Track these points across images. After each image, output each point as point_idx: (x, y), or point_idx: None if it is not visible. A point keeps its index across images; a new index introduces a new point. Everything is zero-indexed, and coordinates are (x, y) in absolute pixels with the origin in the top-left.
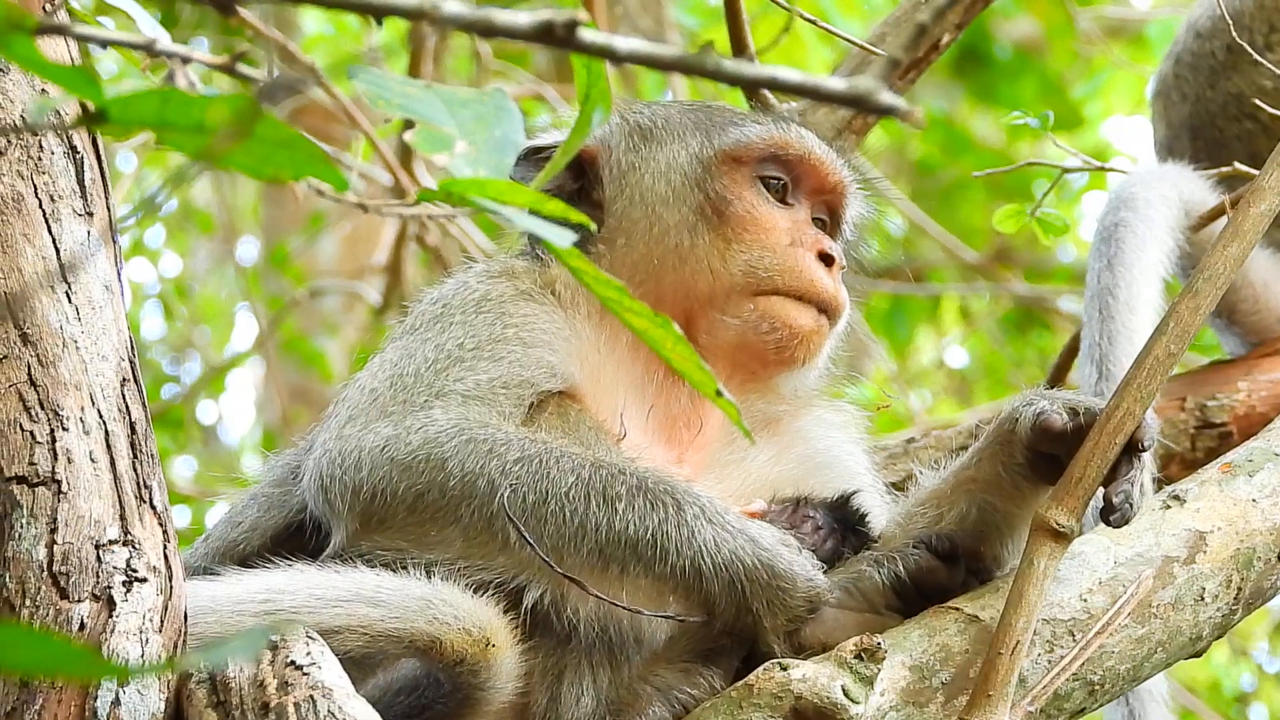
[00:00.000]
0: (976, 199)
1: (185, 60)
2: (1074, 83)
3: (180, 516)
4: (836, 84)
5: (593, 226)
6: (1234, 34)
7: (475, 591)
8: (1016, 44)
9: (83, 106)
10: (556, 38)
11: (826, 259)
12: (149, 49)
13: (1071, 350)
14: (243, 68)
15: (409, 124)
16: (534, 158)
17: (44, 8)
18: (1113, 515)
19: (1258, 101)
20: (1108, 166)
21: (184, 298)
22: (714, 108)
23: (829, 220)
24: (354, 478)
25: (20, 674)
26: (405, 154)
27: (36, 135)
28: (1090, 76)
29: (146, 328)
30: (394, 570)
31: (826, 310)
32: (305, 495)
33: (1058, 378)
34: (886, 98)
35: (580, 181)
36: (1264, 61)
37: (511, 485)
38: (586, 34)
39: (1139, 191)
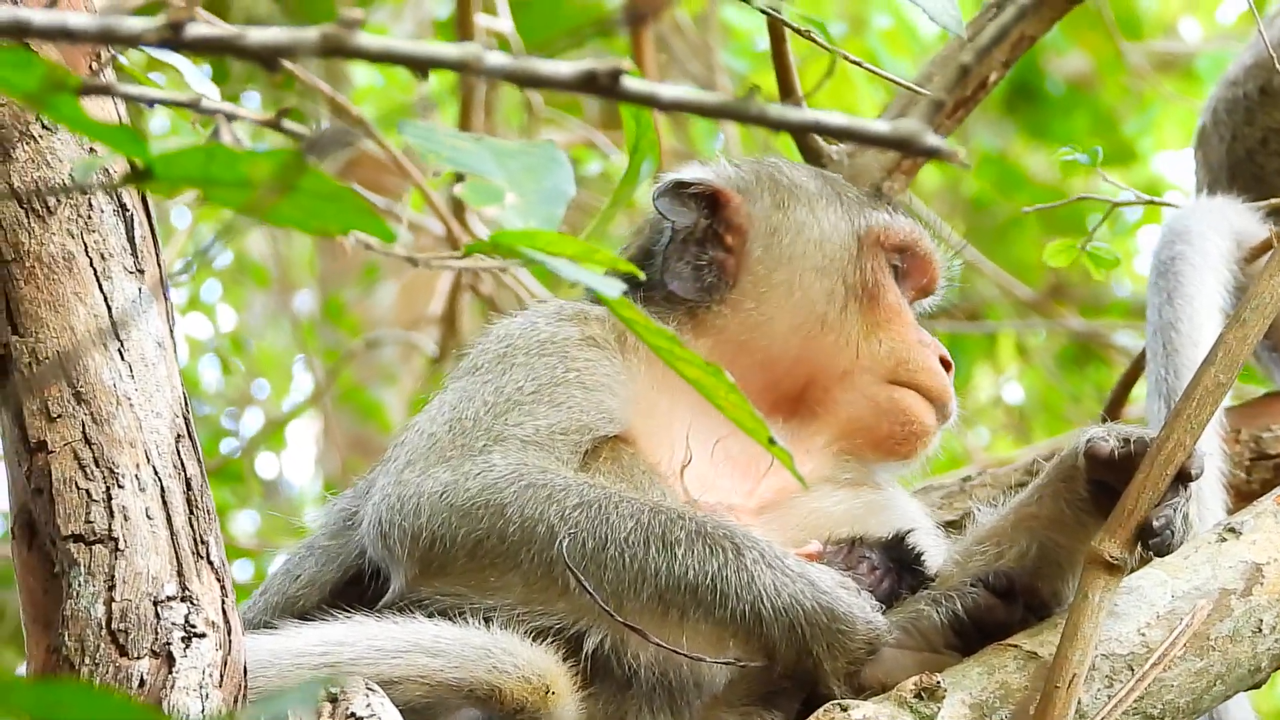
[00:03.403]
0: (1031, 235)
1: (230, 117)
2: (1126, 117)
3: (242, 570)
4: (881, 127)
5: (641, 276)
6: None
7: (535, 637)
8: (1068, 79)
9: (130, 164)
10: (600, 86)
11: (946, 365)
12: (195, 106)
13: (1126, 384)
14: (289, 123)
15: (459, 175)
16: (678, 191)
17: (90, 66)
18: (1152, 540)
19: None
20: (1160, 201)
21: (240, 351)
22: (832, 179)
23: None
24: (413, 524)
25: None
26: (457, 204)
27: (85, 194)
28: (1141, 111)
29: (204, 382)
30: (453, 617)
31: (943, 415)
32: (363, 541)
33: (1113, 412)
34: (931, 139)
35: (711, 221)
36: None
37: (570, 531)
38: (630, 82)
39: (1193, 225)
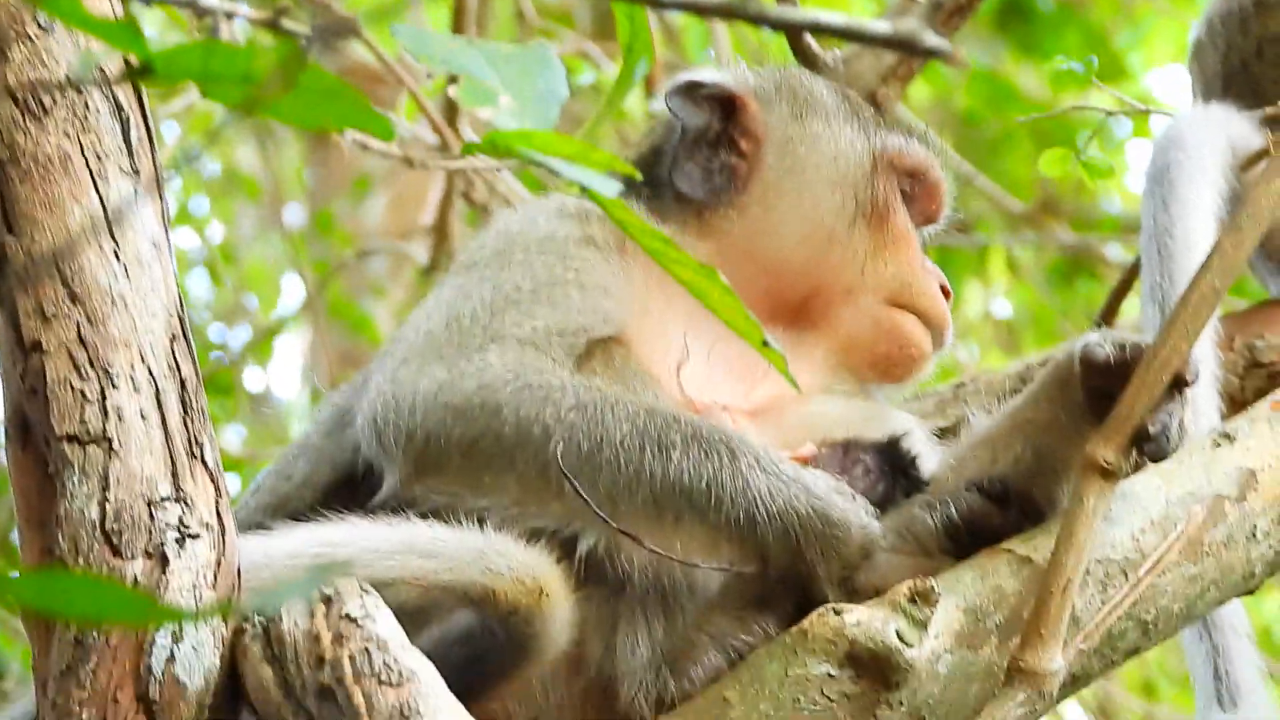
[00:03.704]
0: (1022, 151)
1: (229, 15)
2: (1117, 34)
3: (230, 483)
4: (881, 27)
5: (638, 176)
6: None
7: (529, 539)
8: None
9: (127, 62)
10: None
11: (945, 293)
12: (192, 4)
13: (1119, 293)
14: (286, 22)
15: (453, 80)
16: (692, 93)
17: None
18: (1147, 445)
19: None
20: (1151, 109)
21: (230, 263)
22: (849, 95)
23: None
24: (408, 422)
25: (77, 621)
26: (450, 111)
27: (82, 94)
28: (1132, 26)
29: (193, 294)
30: (446, 518)
31: (940, 342)
32: (357, 439)
33: (1106, 321)
34: (931, 39)
35: (725, 124)
36: None
37: (566, 433)
38: None
39: (1187, 133)
